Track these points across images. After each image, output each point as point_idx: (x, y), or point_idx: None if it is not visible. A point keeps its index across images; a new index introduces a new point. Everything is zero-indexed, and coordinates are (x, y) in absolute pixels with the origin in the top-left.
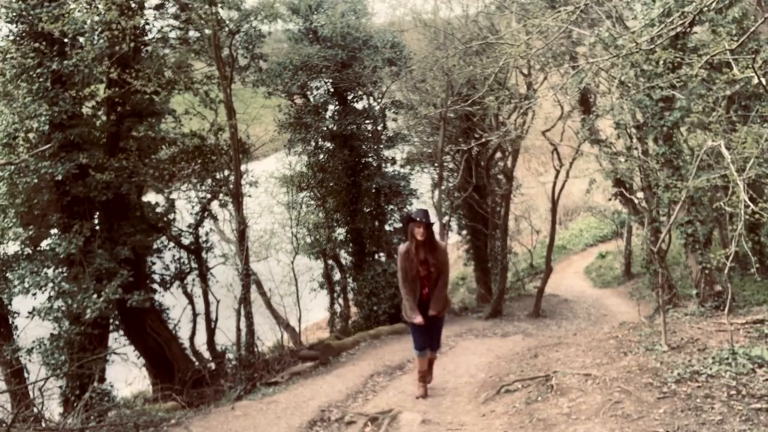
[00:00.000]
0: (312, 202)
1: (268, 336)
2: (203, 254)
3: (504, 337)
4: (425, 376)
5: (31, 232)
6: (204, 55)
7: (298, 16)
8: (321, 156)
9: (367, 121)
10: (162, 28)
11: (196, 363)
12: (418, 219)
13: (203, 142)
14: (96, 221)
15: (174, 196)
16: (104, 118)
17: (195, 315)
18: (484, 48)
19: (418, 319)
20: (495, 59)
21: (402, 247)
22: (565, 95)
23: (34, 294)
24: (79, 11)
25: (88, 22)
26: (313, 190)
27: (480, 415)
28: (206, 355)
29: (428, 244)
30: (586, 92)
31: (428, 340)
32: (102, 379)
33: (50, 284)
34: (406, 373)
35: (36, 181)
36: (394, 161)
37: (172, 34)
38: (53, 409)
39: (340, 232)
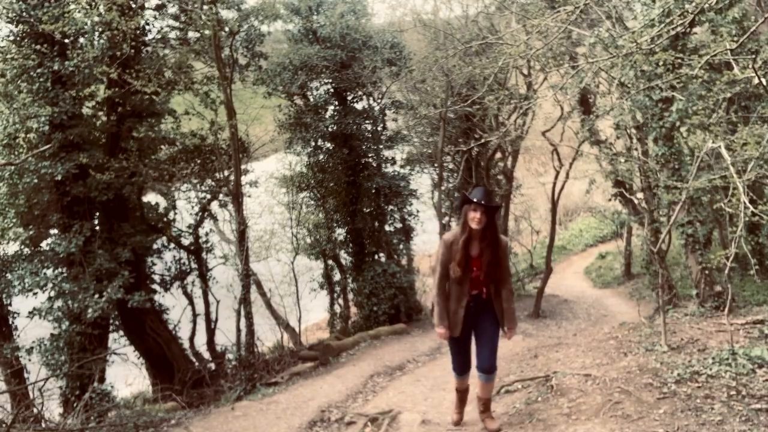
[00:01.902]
0: (312, 203)
1: (268, 336)
2: (203, 255)
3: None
4: (464, 398)
5: (31, 232)
6: (204, 56)
7: (298, 17)
8: (321, 156)
9: (366, 122)
10: (162, 28)
11: (196, 363)
12: (475, 200)
13: (203, 142)
14: (96, 221)
15: (174, 196)
16: (104, 118)
17: (195, 315)
18: (484, 48)
19: (442, 331)
20: (495, 59)
21: (448, 236)
22: (565, 95)
23: (35, 294)
24: (79, 12)
25: (89, 22)
26: (313, 190)
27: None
28: (206, 355)
29: (488, 236)
30: (586, 93)
31: (469, 360)
32: (102, 380)
33: (50, 284)
34: (406, 374)
35: (36, 181)
36: (393, 161)
37: (172, 35)
38: (53, 409)
39: (340, 233)
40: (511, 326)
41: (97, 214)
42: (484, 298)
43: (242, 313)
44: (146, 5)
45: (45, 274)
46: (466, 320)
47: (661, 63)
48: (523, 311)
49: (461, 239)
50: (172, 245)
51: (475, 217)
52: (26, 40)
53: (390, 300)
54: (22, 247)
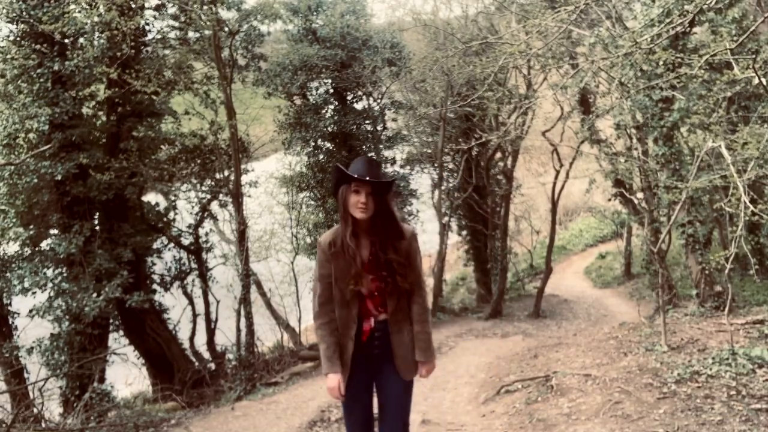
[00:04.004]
0: (312, 203)
1: (268, 336)
2: (203, 254)
3: (504, 338)
4: None
5: (31, 232)
6: (204, 56)
7: (298, 17)
8: (321, 156)
9: (366, 122)
10: (162, 28)
11: (196, 363)
12: (356, 176)
13: (203, 142)
14: (96, 221)
15: (174, 196)
16: (104, 118)
17: (195, 315)
18: (484, 48)
19: (332, 384)
20: (494, 59)
21: (326, 236)
22: (564, 95)
23: (34, 294)
24: (79, 12)
25: (89, 22)
26: (313, 190)
27: (480, 415)
28: (206, 355)
29: (381, 227)
30: (586, 93)
31: (371, 427)
32: (102, 380)
33: (50, 284)
34: None
35: (36, 181)
36: (394, 161)
37: (172, 35)
38: (53, 409)
39: None
40: (426, 360)
41: (97, 214)
42: (386, 326)
43: (242, 313)
44: (146, 5)
45: (45, 273)
46: (359, 361)
47: (661, 63)
48: (523, 311)
49: (346, 236)
50: (172, 245)
51: (358, 202)
52: (26, 40)
53: None
54: (22, 247)
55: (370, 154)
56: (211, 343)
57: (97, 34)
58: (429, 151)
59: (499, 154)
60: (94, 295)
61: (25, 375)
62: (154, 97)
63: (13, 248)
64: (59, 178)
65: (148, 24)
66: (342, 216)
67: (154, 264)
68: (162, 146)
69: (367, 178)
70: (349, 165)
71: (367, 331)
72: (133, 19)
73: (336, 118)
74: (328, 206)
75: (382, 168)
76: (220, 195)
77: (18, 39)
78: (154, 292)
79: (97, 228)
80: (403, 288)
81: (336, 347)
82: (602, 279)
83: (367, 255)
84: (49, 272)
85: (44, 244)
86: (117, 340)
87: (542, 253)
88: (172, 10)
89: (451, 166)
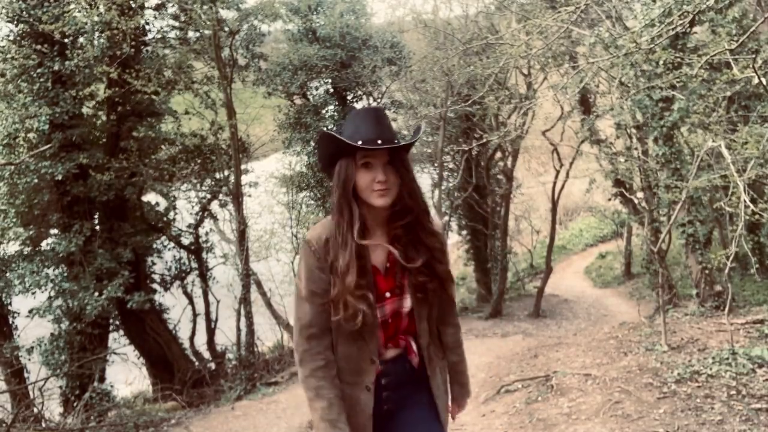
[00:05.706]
0: (312, 202)
1: (268, 336)
2: (203, 254)
3: (504, 337)
4: None
5: (31, 232)
6: (204, 56)
7: (298, 16)
8: None
9: None
10: (162, 28)
11: (196, 363)
12: (365, 140)
13: (203, 142)
14: (96, 221)
15: (174, 196)
16: (104, 118)
17: (195, 315)
18: (484, 48)
19: None
20: (495, 59)
21: (314, 234)
22: (565, 95)
23: (34, 293)
24: (79, 11)
25: (88, 22)
26: (313, 190)
27: (480, 415)
28: (206, 355)
29: (403, 213)
30: (586, 92)
31: None
32: (102, 379)
33: (50, 284)
34: None
35: (36, 181)
36: None
37: (172, 35)
38: (53, 409)
39: None
40: (465, 395)
41: (97, 213)
42: (413, 363)
43: (242, 312)
44: (146, 5)
45: (45, 273)
46: (378, 421)
47: (661, 62)
48: (523, 311)
49: (349, 237)
50: (172, 245)
51: (374, 182)
52: (26, 40)
53: None
54: (22, 246)
55: None
56: (211, 342)
57: (97, 33)
58: (429, 150)
59: (499, 154)
60: (95, 294)
61: (25, 375)
62: (154, 97)
63: (13, 248)
64: (59, 178)
65: (148, 23)
66: (342, 206)
67: (154, 264)
68: (162, 146)
69: (380, 143)
70: (343, 125)
71: (380, 373)
72: (133, 18)
73: (336, 118)
74: (328, 206)
75: (390, 122)
76: (220, 195)
77: (18, 39)
78: (155, 291)
79: (97, 228)
80: (434, 306)
81: (341, 403)
82: (602, 279)
83: (385, 258)
84: (50, 272)
85: (44, 244)
86: (117, 340)
87: (542, 252)
88: (172, 9)
89: (451, 165)
